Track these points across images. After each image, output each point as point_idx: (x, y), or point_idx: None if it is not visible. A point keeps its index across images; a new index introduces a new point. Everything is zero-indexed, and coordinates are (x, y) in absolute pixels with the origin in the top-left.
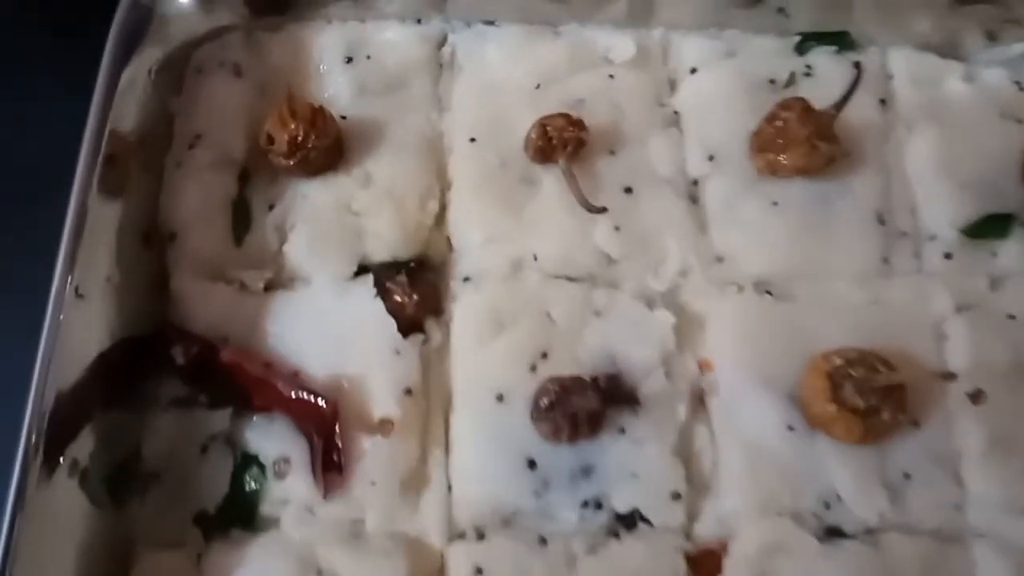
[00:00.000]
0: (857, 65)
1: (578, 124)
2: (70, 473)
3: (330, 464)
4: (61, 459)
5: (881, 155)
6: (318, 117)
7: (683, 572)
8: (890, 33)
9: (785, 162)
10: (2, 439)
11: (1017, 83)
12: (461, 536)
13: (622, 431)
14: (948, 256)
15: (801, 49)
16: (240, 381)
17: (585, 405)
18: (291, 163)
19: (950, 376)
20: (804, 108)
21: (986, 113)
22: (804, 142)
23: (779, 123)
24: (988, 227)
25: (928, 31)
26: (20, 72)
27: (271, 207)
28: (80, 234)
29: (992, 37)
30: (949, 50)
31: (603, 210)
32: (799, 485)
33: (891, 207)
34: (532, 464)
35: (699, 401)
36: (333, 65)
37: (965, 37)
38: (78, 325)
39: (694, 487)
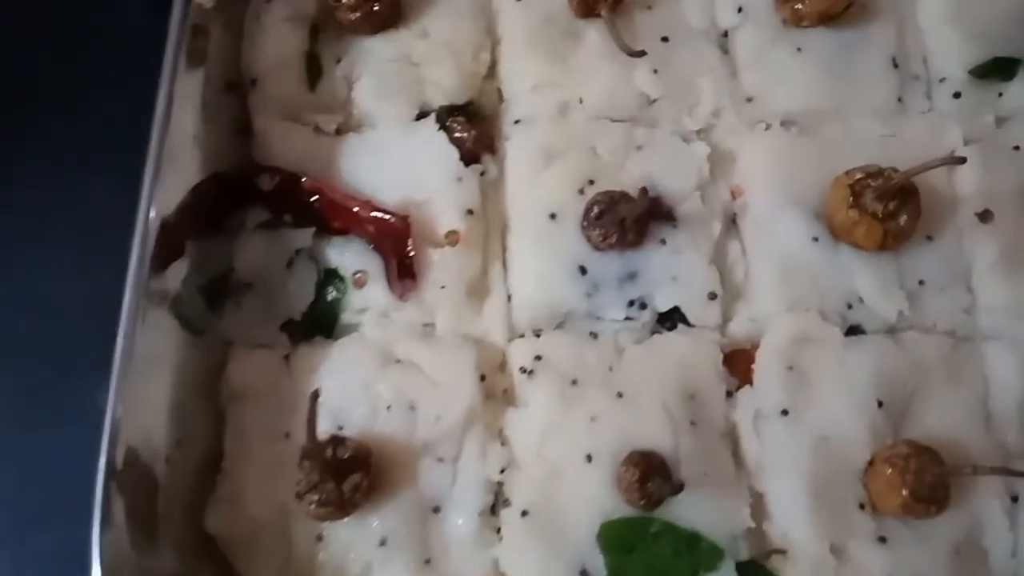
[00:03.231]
0: None
1: None
2: (159, 302)
3: (404, 272)
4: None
5: (895, 6)
6: None
7: (720, 362)
8: None
9: (808, 9)
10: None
11: None
12: (521, 336)
13: (663, 242)
14: (957, 95)
15: None
16: (320, 206)
17: (632, 211)
18: (357, 16)
19: (961, 160)
20: None
21: None
22: None
23: None
24: (995, 69)
25: None
26: None
27: (339, 60)
28: (170, 107)
29: None
30: None
31: (642, 53)
32: (825, 288)
33: (905, 53)
34: (583, 270)
35: (732, 222)
36: None
37: None
38: (169, 179)
39: (728, 293)
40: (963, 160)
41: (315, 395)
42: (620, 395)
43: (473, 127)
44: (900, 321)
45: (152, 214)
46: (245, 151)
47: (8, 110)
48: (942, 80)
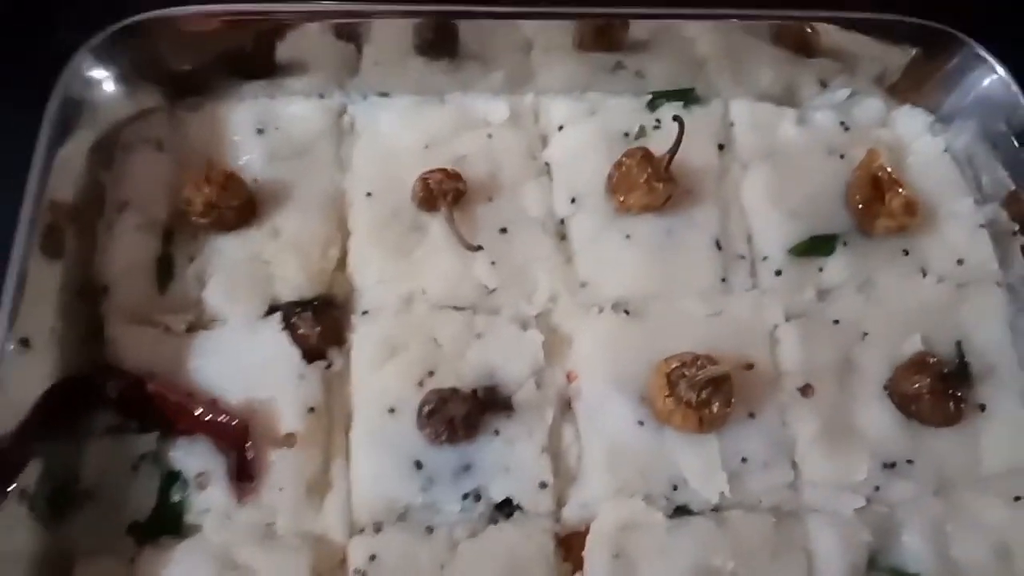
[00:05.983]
0: (677, 119)
1: (455, 176)
2: (19, 501)
3: (243, 475)
4: (11, 488)
5: (719, 191)
6: (230, 181)
7: (552, 551)
8: (736, 87)
9: (632, 201)
10: None
11: (843, 123)
12: (361, 531)
13: (496, 433)
14: (779, 273)
15: (652, 106)
16: (164, 409)
17: (459, 411)
18: (207, 221)
19: (750, 367)
20: (643, 155)
21: (814, 150)
22: (643, 184)
23: (623, 168)
24: (814, 246)
25: (770, 82)
26: None
27: (192, 259)
28: (21, 293)
29: (824, 84)
30: (787, 98)
31: (479, 248)
32: (650, 471)
33: (728, 234)
34: (419, 465)
35: (567, 406)
36: (246, 137)
37: (801, 86)
38: (27, 369)
39: (562, 478)
40: (751, 367)
41: None
42: None
43: (320, 322)
44: (723, 501)
45: None
46: (99, 353)
47: None
48: (765, 258)
